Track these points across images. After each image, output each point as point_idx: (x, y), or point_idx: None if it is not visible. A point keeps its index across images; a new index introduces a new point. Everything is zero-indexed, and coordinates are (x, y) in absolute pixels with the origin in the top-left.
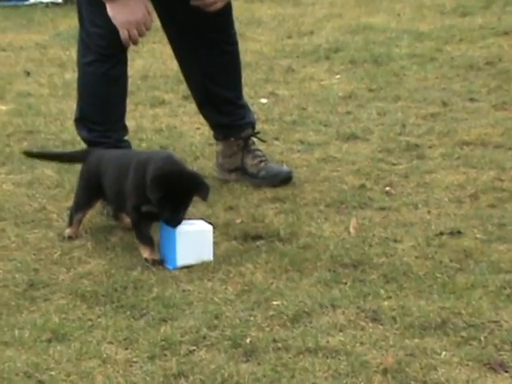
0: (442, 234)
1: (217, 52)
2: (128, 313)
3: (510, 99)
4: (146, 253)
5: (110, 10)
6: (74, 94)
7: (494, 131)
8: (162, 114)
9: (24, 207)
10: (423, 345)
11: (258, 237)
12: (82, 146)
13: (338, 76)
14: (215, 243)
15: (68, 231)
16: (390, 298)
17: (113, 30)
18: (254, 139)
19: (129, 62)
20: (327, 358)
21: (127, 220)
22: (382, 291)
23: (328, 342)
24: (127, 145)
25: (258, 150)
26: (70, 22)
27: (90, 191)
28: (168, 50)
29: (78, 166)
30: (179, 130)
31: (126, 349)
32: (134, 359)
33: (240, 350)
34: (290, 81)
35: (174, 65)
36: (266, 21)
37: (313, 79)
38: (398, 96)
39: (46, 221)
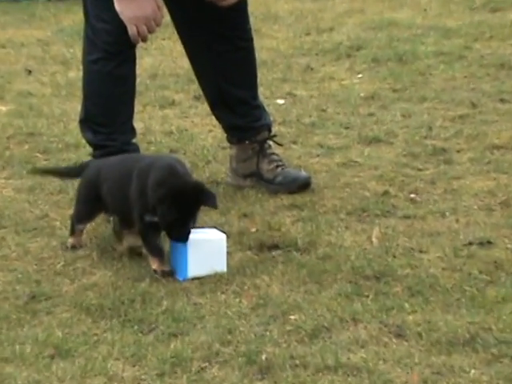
0: (470, 244)
1: (231, 49)
2: (136, 327)
3: None
4: (155, 264)
5: (118, 5)
6: (79, 93)
7: None
8: (172, 115)
9: (25, 214)
10: (451, 362)
11: (274, 246)
12: (87, 149)
13: (359, 75)
14: (229, 253)
15: (71, 241)
16: (415, 312)
17: (120, 25)
18: (271, 142)
19: (137, 60)
20: (348, 376)
21: (127, 243)
22: (407, 305)
23: (349, 358)
24: (135, 148)
25: (275, 154)
26: (73, 17)
27: (90, 204)
28: (178, 47)
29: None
30: (190, 132)
31: (134, 366)
32: (142, 377)
33: (255, 367)
34: (309, 80)
35: (184, 63)
36: (283, 16)
37: (333, 79)
38: (423, 97)
39: (49, 229)
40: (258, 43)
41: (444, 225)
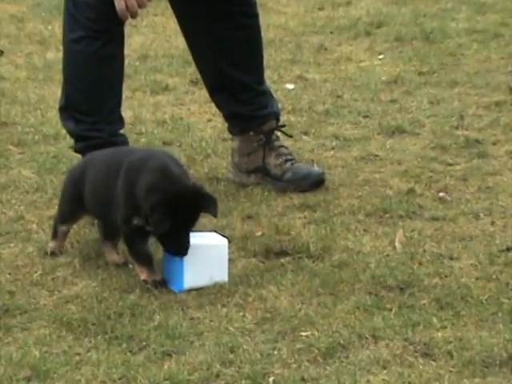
0: (508, 249)
1: (233, 26)
2: (124, 345)
3: None
4: (143, 274)
5: None
6: (58, 77)
7: None
8: (166, 102)
9: None
10: None
11: (282, 252)
12: (68, 140)
13: (380, 56)
14: (231, 260)
15: (51, 245)
16: (444, 328)
17: None
18: (278, 133)
19: (125, 39)
20: None
21: (110, 260)
22: (435, 320)
23: (368, 381)
24: (123, 140)
25: (283, 146)
26: None
27: (75, 203)
28: (173, 24)
29: (62, 166)
30: (186, 121)
31: None
32: None
33: None
34: (322, 62)
35: (179, 42)
36: None
37: (350, 60)
38: (454, 81)
39: (24, 232)
40: (264, 20)
41: (478, 228)
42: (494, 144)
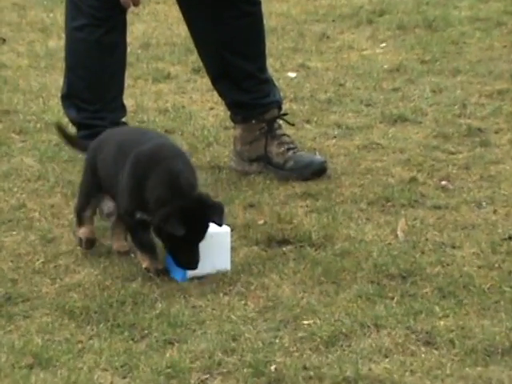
0: (510, 238)
1: (235, 14)
2: (126, 333)
3: None
4: (145, 262)
5: None
6: (60, 65)
7: None
8: (167, 90)
9: None
10: (487, 374)
11: (284, 241)
12: (70, 128)
13: (383, 44)
14: (233, 249)
15: (82, 232)
16: (446, 316)
17: None
18: (281, 122)
19: (127, 27)
20: None
21: (115, 247)
22: (437, 308)
23: (370, 369)
24: None
25: (285, 135)
26: None
27: (90, 181)
28: (175, 12)
29: (64, 154)
30: (188, 110)
31: (124, 377)
32: None
33: (263, 379)
34: (325, 50)
35: (182, 30)
36: None
37: (352, 48)
38: (457, 69)
39: (26, 220)
40: (266, 8)
41: (480, 216)
42: (496, 132)
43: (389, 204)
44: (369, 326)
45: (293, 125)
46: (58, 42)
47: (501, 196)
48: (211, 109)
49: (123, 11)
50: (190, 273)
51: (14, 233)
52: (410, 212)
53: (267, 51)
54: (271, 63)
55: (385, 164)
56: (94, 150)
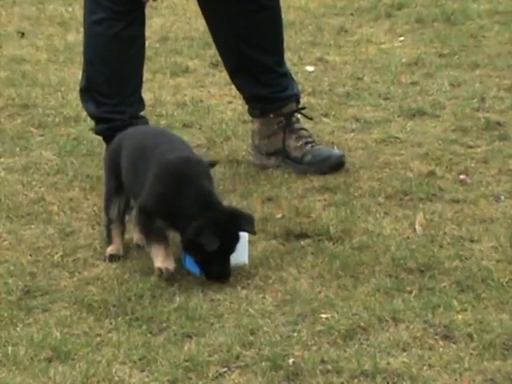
0: None
1: (253, 8)
2: (144, 327)
3: None
4: (158, 258)
5: None
6: (79, 59)
7: None
8: (186, 84)
9: (18, 197)
10: (506, 368)
11: (302, 235)
12: (89, 122)
13: (401, 38)
14: (251, 243)
15: (110, 248)
16: (464, 310)
17: None
18: (299, 116)
19: (146, 21)
20: (388, 383)
21: (135, 239)
22: (456, 302)
23: (388, 363)
24: (143, 121)
25: (303, 129)
26: None
27: (113, 182)
28: (193, 6)
29: (83, 148)
30: (206, 103)
31: (142, 371)
32: (152, 383)
33: (281, 372)
34: (343, 44)
35: (200, 24)
36: None
37: (370, 42)
38: (475, 63)
39: (45, 214)
40: (284, 1)
41: (498, 210)
42: None
43: (407, 198)
44: (387, 320)
45: (311, 119)
46: (76, 36)
47: None
48: (229, 103)
49: (142, 5)
50: None
51: (33, 226)
52: (428, 206)
53: (285, 45)
54: (289, 57)
55: (403, 158)
56: (114, 150)
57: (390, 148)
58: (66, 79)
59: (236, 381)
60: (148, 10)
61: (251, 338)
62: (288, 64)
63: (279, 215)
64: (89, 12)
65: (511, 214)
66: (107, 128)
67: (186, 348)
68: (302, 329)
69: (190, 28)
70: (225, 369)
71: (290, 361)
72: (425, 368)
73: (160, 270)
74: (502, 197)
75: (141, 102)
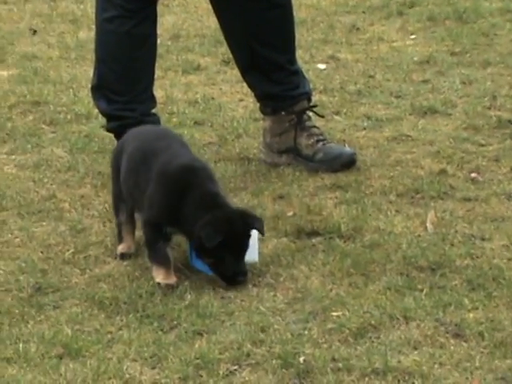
0: None
1: (265, 5)
2: (155, 324)
3: None
4: (159, 276)
5: None
6: (90, 56)
7: None
8: (197, 81)
9: (29, 194)
10: None
11: (313, 233)
12: (100, 120)
13: (413, 36)
14: (262, 240)
15: (121, 247)
16: (476, 308)
17: None
18: (310, 114)
19: (157, 19)
20: (398, 381)
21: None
22: (467, 300)
23: (399, 361)
24: (155, 119)
25: (315, 126)
26: None
27: (118, 187)
28: (205, 4)
29: (94, 145)
30: (218, 101)
31: (153, 368)
32: (163, 380)
33: (292, 370)
34: (354, 42)
35: (211, 21)
36: None
37: (382, 40)
38: (487, 61)
39: (56, 211)
40: None
41: (510, 208)
42: None
43: (418, 196)
44: (398, 318)
45: (322, 116)
46: (88, 34)
47: None
48: (241, 100)
49: (153, 3)
50: None
51: (44, 223)
52: (439, 204)
53: (297, 43)
54: (301, 55)
55: (414, 156)
56: (116, 154)
57: (401, 146)
58: (77, 76)
59: (247, 378)
60: (160, 8)
61: (262, 336)
62: (299, 62)
63: (290, 213)
64: (100, 10)
65: None
66: (118, 125)
67: (196, 345)
68: (313, 327)
69: (201, 25)
70: (235, 366)
71: (301, 359)
72: (436, 366)
73: (159, 284)
74: None
75: (152, 100)
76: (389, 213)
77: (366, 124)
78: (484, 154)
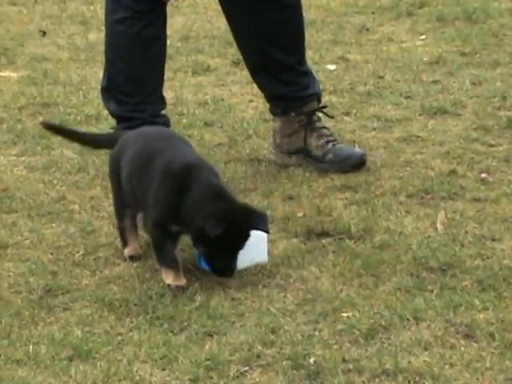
0: None
1: (275, 6)
2: (165, 326)
3: None
4: (169, 278)
5: None
6: (100, 58)
7: None
8: (207, 83)
9: (39, 196)
10: None
11: (323, 233)
12: (110, 121)
13: (422, 37)
14: (272, 241)
15: (127, 250)
16: (486, 309)
17: None
18: (320, 114)
19: (167, 20)
20: (409, 382)
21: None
22: (477, 301)
23: (410, 362)
24: (165, 120)
25: (325, 127)
26: None
27: (120, 191)
28: (214, 5)
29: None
30: (227, 102)
31: (163, 369)
32: (173, 382)
33: (302, 371)
34: (364, 43)
35: (221, 23)
36: None
37: (392, 41)
38: (497, 61)
39: (66, 213)
40: (305, 0)
41: None
42: None
43: (428, 196)
44: (408, 319)
45: (332, 117)
46: (98, 35)
47: None
48: (250, 101)
49: (163, 4)
50: None
51: (54, 225)
52: (449, 204)
53: (306, 43)
54: (310, 55)
55: (424, 156)
56: (114, 157)
57: (411, 147)
58: (87, 78)
59: (257, 380)
60: (169, 9)
61: (272, 337)
62: (309, 62)
63: (300, 214)
64: (110, 11)
65: None
66: (128, 127)
67: (207, 347)
68: (323, 328)
69: (211, 27)
70: (246, 368)
71: (311, 360)
72: (446, 367)
73: (169, 286)
74: None
75: (162, 101)
76: (399, 213)
77: (375, 125)
78: (494, 155)
